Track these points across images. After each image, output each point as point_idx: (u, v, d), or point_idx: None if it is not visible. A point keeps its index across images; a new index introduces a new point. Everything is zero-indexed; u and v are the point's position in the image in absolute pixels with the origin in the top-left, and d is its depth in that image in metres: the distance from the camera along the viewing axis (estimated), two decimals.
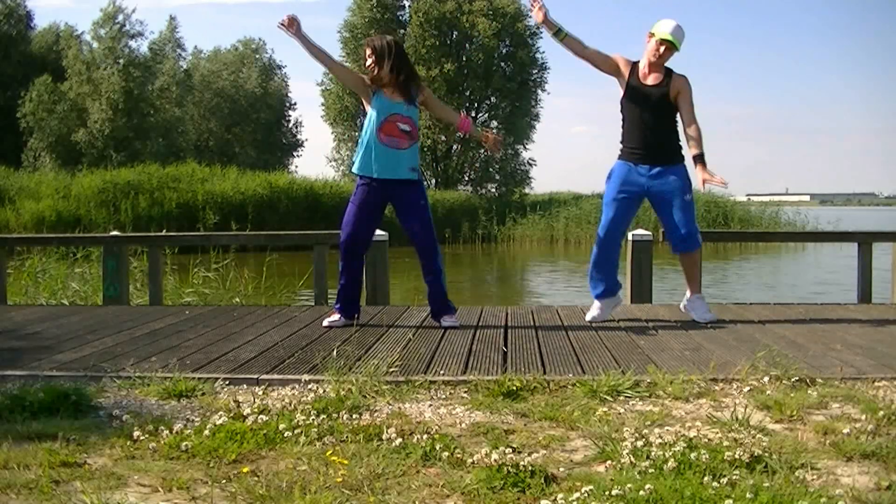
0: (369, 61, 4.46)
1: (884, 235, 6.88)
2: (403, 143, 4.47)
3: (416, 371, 3.39)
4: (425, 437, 2.44)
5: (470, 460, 2.26)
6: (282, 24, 4.37)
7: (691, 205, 4.66)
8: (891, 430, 2.56)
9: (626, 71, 4.57)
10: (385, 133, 4.44)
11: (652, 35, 4.52)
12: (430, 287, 4.67)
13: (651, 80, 4.53)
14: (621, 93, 4.61)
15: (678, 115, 4.59)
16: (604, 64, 4.62)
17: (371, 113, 4.48)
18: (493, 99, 32.34)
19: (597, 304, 4.75)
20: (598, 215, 4.87)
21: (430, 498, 2.06)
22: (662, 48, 4.47)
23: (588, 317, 4.72)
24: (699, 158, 4.54)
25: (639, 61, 4.59)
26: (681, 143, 4.64)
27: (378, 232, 6.15)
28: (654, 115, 4.55)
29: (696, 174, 4.59)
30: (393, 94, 4.47)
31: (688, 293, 4.83)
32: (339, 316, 4.65)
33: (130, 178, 20.86)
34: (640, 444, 2.35)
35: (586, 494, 1.97)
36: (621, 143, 4.67)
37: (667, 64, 4.56)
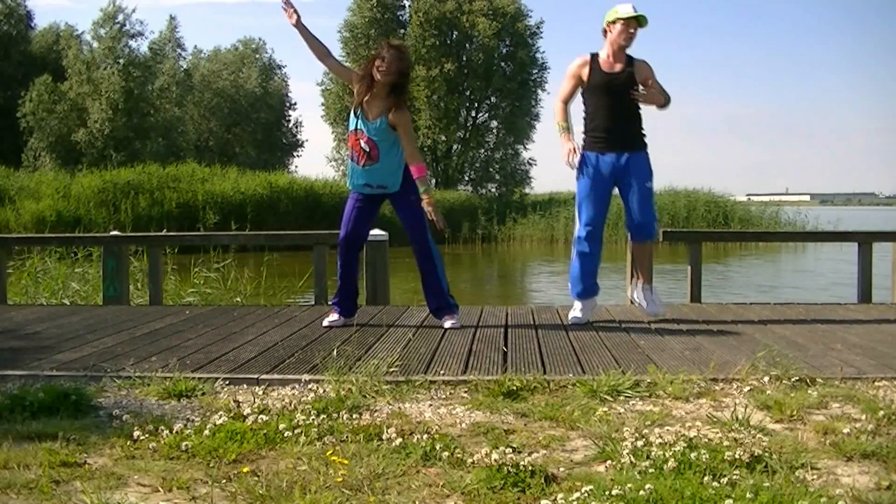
0: (388, 65, 4.28)
1: (884, 235, 6.88)
2: (361, 160, 4.43)
3: (416, 371, 3.39)
4: (425, 437, 2.44)
5: (470, 460, 2.26)
6: (284, 7, 4.43)
7: (651, 193, 4.65)
8: (891, 430, 2.56)
9: (585, 69, 4.57)
10: (349, 145, 4.49)
11: (614, 22, 4.49)
12: (426, 282, 4.64)
13: (617, 67, 4.53)
14: (582, 88, 4.60)
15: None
16: (574, 88, 4.63)
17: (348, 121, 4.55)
18: (493, 99, 32.36)
19: (578, 304, 4.73)
20: None
21: (430, 498, 2.06)
22: (632, 29, 4.49)
23: (570, 317, 4.69)
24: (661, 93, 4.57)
25: (597, 53, 4.59)
26: (644, 130, 4.65)
27: (378, 232, 6.18)
28: (621, 102, 4.55)
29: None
30: (371, 107, 4.38)
31: (639, 283, 4.82)
32: (338, 316, 4.66)
33: (130, 178, 20.85)
34: (640, 444, 2.35)
35: (586, 494, 1.97)
36: (585, 132, 4.66)
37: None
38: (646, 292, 4.78)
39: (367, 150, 4.41)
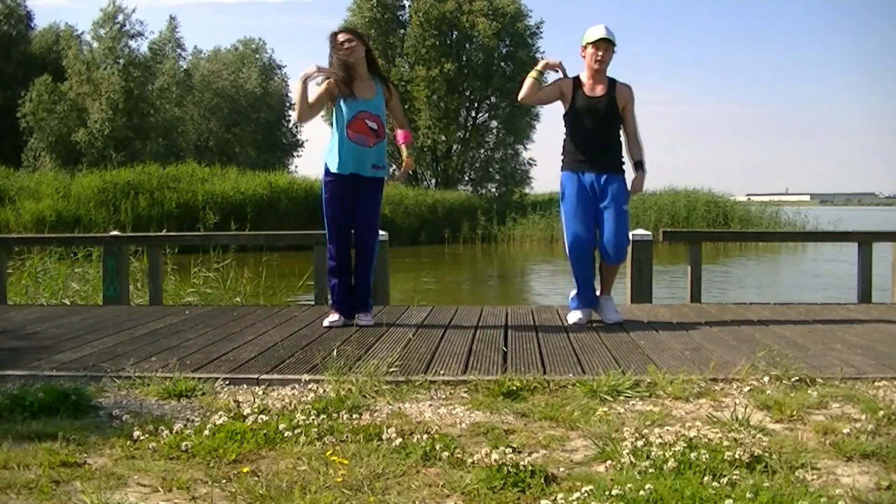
0: (348, 42, 4.43)
1: (884, 235, 6.88)
2: (370, 140, 4.51)
3: (416, 371, 3.39)
4: (425, 437, 2.44)
5: (470, 460, 2.27)
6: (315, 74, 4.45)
7: (627, 216, 4.71)
8: (891, 430, 2.56)
9: (567, 86, 4.61)
10: (354, 130, 4.48)
11: (585, 46, 4.56)
12: (363, 269, 4.67)
13: (598, 91, 4.58)
14: (564, 109, 4.64)
15: (622, 125, 4.67)
16: (550, 96, 4.69)
17: (340, 110, 4.50)
18: (493, 99, 32.36)
19: (578, 312, 4.75)
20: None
21: (430, 498, 2.06)
22: (601, 52, 4.52)
23: (570, 320, 4.72)
24: (640, 165, 4.67)
25: (578, 76, 4.64)
26: (623, 154, 4.70)
27: (378, 232, 6.16)
28: (603, 126, 4.61)
29: (631, 175, 4.67)
30: (364, 89, 4.50)
31: (599, 294, 4.82)
32: (338, 316, 4.65)
33: (130, 178, 20.85)
34: (640, 444, 2.35)
35: (586, 494, 1.97)
36: (563, 153, 4.70)
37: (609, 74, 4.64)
38: (606, 302, 4.79)
39: (375, 127, 4.51)
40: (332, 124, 4.60)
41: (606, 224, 4.60)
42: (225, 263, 8.82)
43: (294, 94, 4.53)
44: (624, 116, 4.64)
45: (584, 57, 4.60)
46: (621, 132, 4.68)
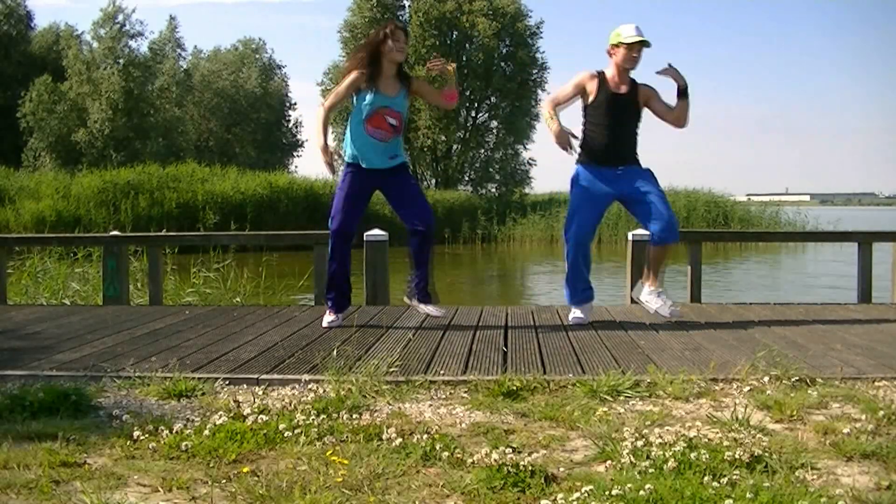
0: (402, 44, 4.53)
1: (884, 235, 6.89)
2: (388, 135, 4.52)
3: (416, 371, 3.39)
4: (425, 437, 2.44)
5: (470, 460, 2.27)
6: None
7: (665, 195, 4.67)
8: (891, 430, 2.56)
9: (592, 83, 4.62)
10: (372, 125, 4.49)
11: (617, 45, 4.56)
12: (424, 256, 4.63)
13: (623, 89, 4.61)
14: (585, 102, 4.64)
15: (664, 106, 4.67)
16: (573, 101, 4.68)
17: (360, 103, 4.48)
18: (493, 99, 32.33)
19: (577, 310, 4.76)
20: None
21: (430, 498, 2.06)
22: (636, 53, 4.55)
23: (571, 319, 4.72)
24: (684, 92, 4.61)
25: (603, 71, 4.64)
26: (638, 150, 4.71)
27: (378, 232, 6.18)
28: (625, 122, 4.64)
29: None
30: (388, 86, 4.52)
31: (647, 286, 4.77)
32: (336, 316, 4.65)
33: (130, 178, 20.86)
34: (640, 444, 2.35)
35: (586, 494, 1.97)
36: (581, 147, 4.69)
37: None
38: (661, 296, 4.73)
39: (395, 123, 4.53)
40: (347, 118, 4.62)
41: (649, 206, 4.53)
42: (225, 263, 8.82)
43: (315, 137, 4.54)
44: (657, 104, 4.65)
45: (611, 55, 4.60)
46: (638, 130, 4.70)
